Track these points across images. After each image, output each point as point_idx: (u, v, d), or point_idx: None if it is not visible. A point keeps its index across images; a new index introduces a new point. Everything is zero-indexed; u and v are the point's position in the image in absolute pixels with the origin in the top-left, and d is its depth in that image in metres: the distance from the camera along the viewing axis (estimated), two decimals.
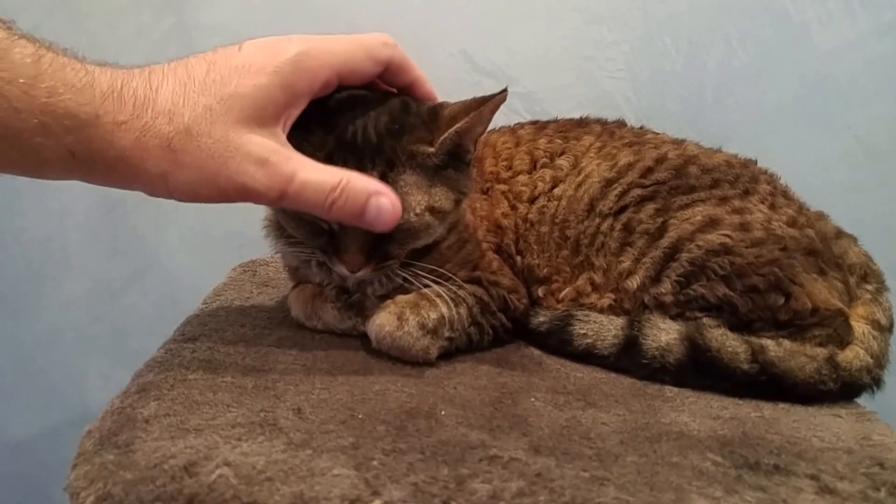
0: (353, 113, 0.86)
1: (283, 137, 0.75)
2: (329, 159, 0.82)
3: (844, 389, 0.90)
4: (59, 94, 0.63)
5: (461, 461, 0.63)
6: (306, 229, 0.91)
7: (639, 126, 1.24)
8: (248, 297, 1.18)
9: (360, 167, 0.83)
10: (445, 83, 1.55)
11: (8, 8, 1.45)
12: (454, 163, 0.91)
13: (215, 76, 0.70)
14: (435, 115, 0.88)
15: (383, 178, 0.84)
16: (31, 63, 0.62)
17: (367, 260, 0.89)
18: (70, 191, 1.69)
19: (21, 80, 0.61)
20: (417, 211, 0.87)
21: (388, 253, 0.91)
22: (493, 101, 0.86)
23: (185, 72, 0.70)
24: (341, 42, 0.78)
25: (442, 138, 0.86)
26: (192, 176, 0.69)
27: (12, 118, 0.61)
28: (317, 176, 0.74)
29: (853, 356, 0.92)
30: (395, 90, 0.91)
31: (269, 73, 0.71)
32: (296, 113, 0.76)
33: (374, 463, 0.61)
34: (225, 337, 0.94)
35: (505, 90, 0.86)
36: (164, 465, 0.59)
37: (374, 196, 0.77)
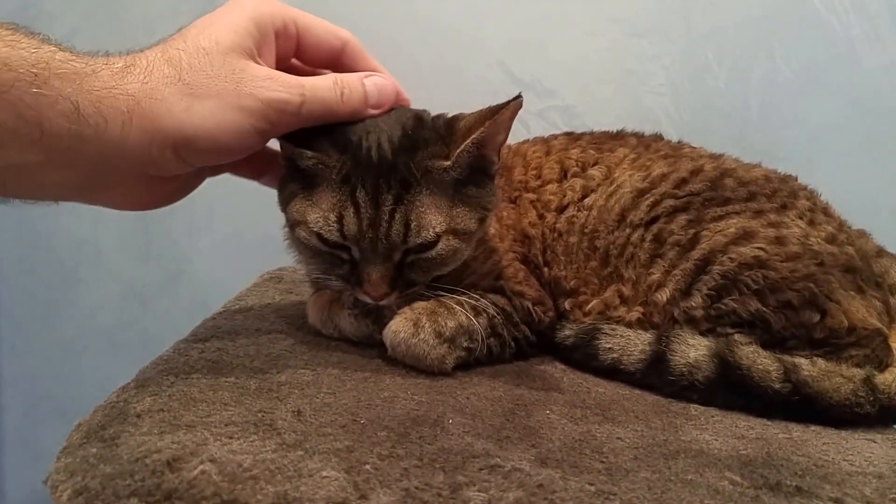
0: (365, 126, 0.84)
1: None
2: (346, 181, 0.82)
3: (882, 414, 0.85)
4: (46, 51, 0.62)
5: (460, 469, 0.60)
6: (326, 260, 0.90)
7: (677, 141, 1.20)
8: (268, 303, 1.16)
9: (377, 187, 0.82)
10: (482, 94, 1.53)
11: (47, 13, 1.48)
12: (477, 178, 0.89)
13: (190, 29, 0.74)
14: (451, 127, 0.86)
15: (398, 200, 0.82)
16: (10, 29, 0.62)
17: (391, 288, 0.87)
18: None
19: (7, 38, 0.60)
20: (438, 230, 0.84)
21: (411, 280, 0.89)
22: (508, 108, 0.84)
23: (160, 43, 0.73)
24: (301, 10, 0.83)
25: (458, 151, 0.83)
26: (213, 105, 0.70)
27: (2, 72, 0.59)
28: (318, 78, 0.79)
29: (893, 379, 0.87)
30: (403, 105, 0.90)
31: (235, 12, 0.75)
32: (269, 51, 0.79)
33: (367, 467, 0.59)
34: (237, 340, 0.92)
35: (520, 96, 0.84)
36: (146, 460, 0.57)
37: (366, 78, 0.83)
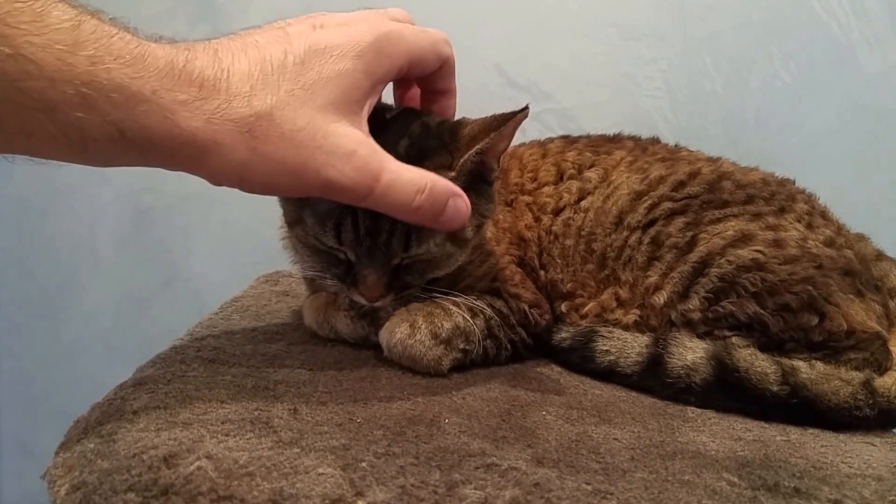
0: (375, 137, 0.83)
1: (366, 126, 0.70)
2: None
3: (881, 417, 0.85)
4: (105, 63, 0.54)
5: (456, 467, 0.60)
6: (323, 260, 0.89)
7: (674, 145, 1.20)
8: (265, 305, 1.16)
9: None
10: (479, 97, 1.55)
11: None
12: (476, 184, 0.88)
13: (294, 58, 0.64)
14: (454, 135, 0.85)
15: None
16: (69, 28, 0.54)
17: (387, 291, 0.87)
18: (101, 198, 1.70)
19: (58, 47, 0.53)
20: (437, 241, 0.84)
21: (407, 283, 0.89)
22: (514, 120, 0.83)
23: (256, 52, 0.64)
24: (412, 31, 0.74)
25: (462, 160, 0.83)
26: (273, 167, 0.63)
27: (48, 89, 0.53)
28: (405, 175, 0.70)
29: (892, 382, 0.87)
30: (410, 106, 0.89)
31: (352, 58, 0.66)
32: (374, 100, 0.71)
33: (363, 465, 0.58)
34: (233, 339, 0.92)
35: (526, 108, 0.83)
36: (143, 456, 0.57)
37: (452, 198, 0.74)
